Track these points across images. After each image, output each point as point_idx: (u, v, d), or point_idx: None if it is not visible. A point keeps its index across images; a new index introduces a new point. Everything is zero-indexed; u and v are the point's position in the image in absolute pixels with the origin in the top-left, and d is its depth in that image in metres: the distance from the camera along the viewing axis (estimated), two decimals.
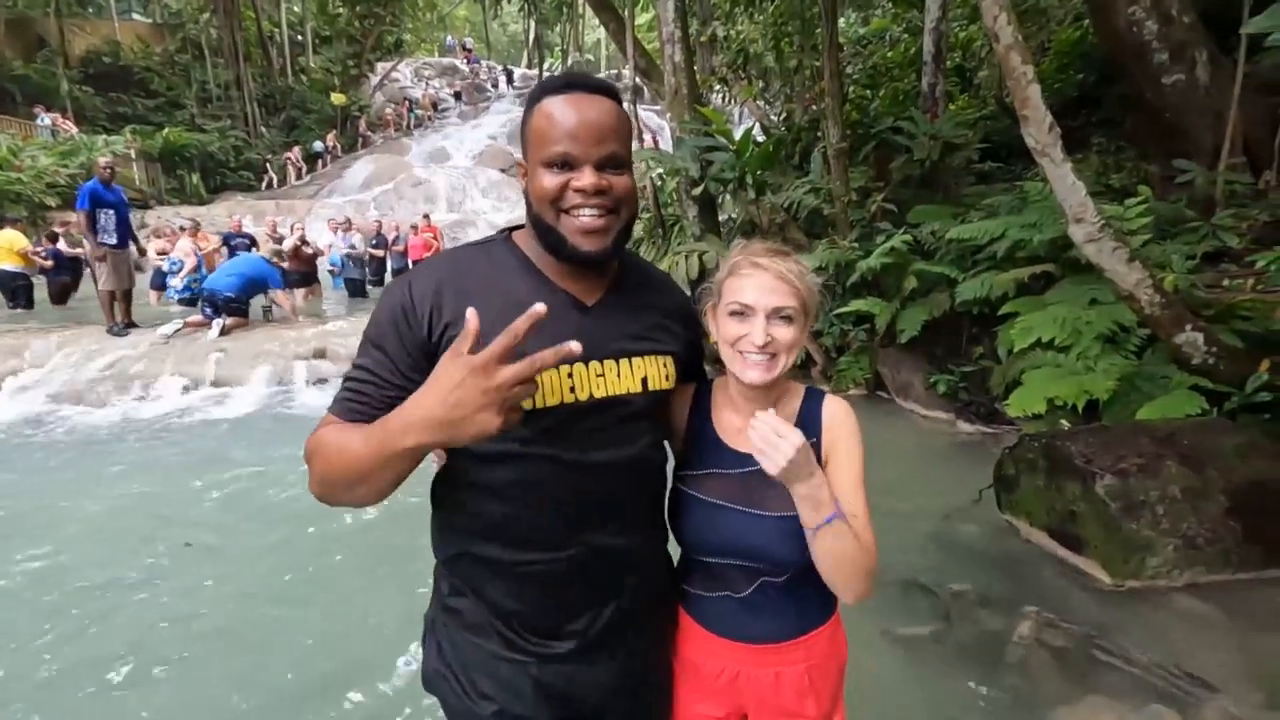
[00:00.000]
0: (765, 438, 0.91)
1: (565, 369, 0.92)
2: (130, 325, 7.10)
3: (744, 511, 1.03)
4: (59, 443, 5.04)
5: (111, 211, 6.76)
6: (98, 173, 6.86)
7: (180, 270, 9.15)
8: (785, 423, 0.92)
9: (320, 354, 6.91)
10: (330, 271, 11.37)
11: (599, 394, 0.95)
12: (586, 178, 0.88)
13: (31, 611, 2.80)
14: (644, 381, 0.99)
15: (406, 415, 0.76)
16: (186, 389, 6.14)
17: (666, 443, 1.12)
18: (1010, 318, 4.61)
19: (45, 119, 17.01)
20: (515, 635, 0.98)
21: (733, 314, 1.03)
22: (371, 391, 0.90)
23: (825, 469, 0.99)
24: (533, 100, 0.93)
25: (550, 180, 0.89)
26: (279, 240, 10.42)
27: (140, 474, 4.35)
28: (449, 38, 35.97)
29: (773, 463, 0.90)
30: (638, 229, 8.81)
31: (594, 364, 0.95)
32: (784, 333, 1.01)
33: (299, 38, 26.53)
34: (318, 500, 0.91)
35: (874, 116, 8.20)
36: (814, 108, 8.70)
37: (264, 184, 21.09)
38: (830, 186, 6.62)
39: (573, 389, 0.92)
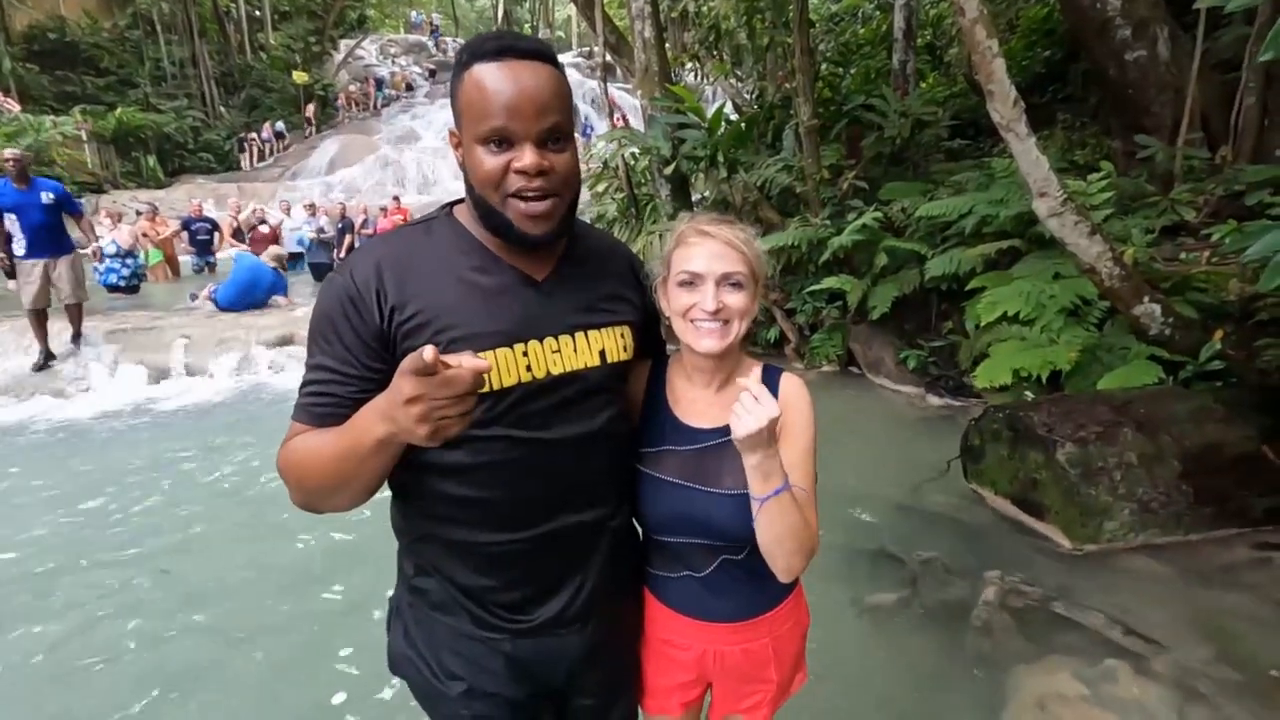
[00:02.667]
0: (746, 403, 0.90)
1: (520, 348, 0.89)
2: (78, 339, 5.94)
3: (699, 489, 1.03)
4: (20, 432, 4.88)
5: (14, 216, 5.49)
6: (1, 167, 5.61)
7: (111, 254, 8.75)
8: (768, 394, 0.91)
9: (286, 340, 6.75)
10: (293, 254, 11.08)
11: (556, 370, 0.92)
12: (528, 157, 0.83)
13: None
14: (602, 354, 0.97)
15: (376, 404, 0.74)
16: (150, 378, 5.98)
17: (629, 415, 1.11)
18: (977, 293, 4.69)
19: None
20: (485, 612, 0.97)
21: (682, 284, 1.02)
22: (335, 390, 0.86)
23: (777, 444, 0.98)
24: (461, 66, 0.85)
25: (490, 161, 0.84)
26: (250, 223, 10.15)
27: (107, 461, 4.24)
28: (415, 14, 34.98)
29: (743, 425, 0.89)
30: (611, 209, 8.75)
31: (549, 340, 0.92)
32: (735, 299, 1.00)
33: (257, 13, 25.54)
34: (301, 509, 0.88)
35: (846, 94, 8.20)
36: (786, 85, 8.65)
37: (244, 162, 20.42)
38: (802, 164, 6.62)
39: (529, 368, 0.90)
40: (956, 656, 2.35)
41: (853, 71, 9.46)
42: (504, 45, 0.84)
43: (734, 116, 8.04)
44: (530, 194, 0.85)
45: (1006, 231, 4.88)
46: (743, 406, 0.90)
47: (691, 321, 1.02)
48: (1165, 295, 3.74)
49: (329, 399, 0.87)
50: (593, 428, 0.97)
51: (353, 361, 0.87)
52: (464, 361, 0.67)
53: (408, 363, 0.66)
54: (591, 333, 0.97)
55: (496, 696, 1.00)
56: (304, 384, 0.90)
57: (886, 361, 5.57)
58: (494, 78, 0.82)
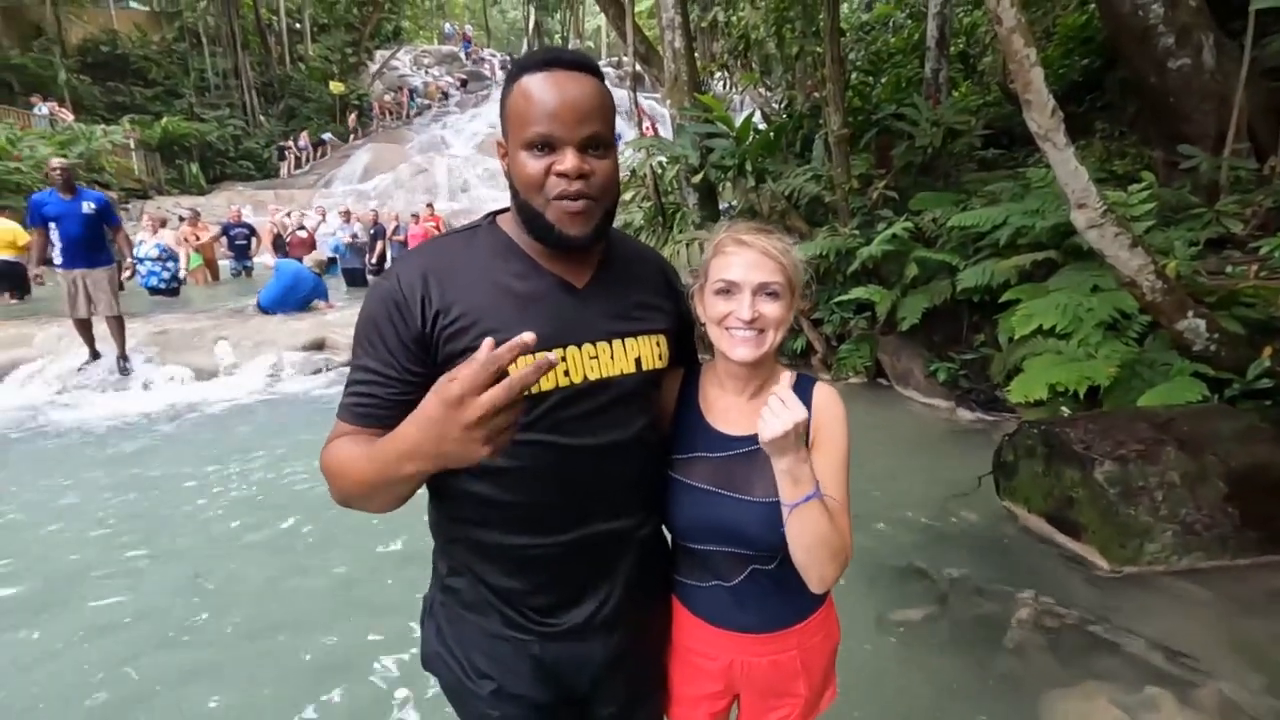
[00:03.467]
0: (774, 406, 0.91)
1: (559, 352, 0.90)
2: (123, 361, 5.97)
3: (729, 496, 1.02)
4: (75, 431, 5.05)
5: (54, 225, 5.51)
6: (49, 176, 5.65)
7: (153, 258, 9.07)
8: (795, 399, 0.92)
9: (319, 345, 6.91)
10: (329, 259, 11.34)
11: (593, 376, 0.94)
12: (569, 160, 0.85)
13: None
14: (637, 361, 0.98)
15: (400, 446, 0.75)
16: (190, 379, 6.15)
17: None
18: (1011, 305, 4.59)
19: (43, 108, 16.92)
20: (515, 613, 0.99)
21: (719, 292, 1.02)
22: (377, 391, 0.89)
23: (810, 452, 0.98)
24: (511, 78, 0.90)
25: (533, 164, 0.87)
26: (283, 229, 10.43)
27: (148, 460, 4.36)
28: (448, 25, 35.70)
29: (769, 428, 0.89)
30: (638, 217, 8.79)
31: (586, 346, 0.94)
32: (771, 308, 1.00)
33: (297, 25, 26.32)
34: (339, 504, 0.90)
35: (876, 103, 8.14)
36: (815, 94, 8.62)
37: (284, 170, 21.03)
38: (831, 174, 6.57)
39: (566, 373, 0.91)
40: (987, 678, 2.29)
41: (883, 80, 9.38)
42: (551, 57, 0.88)
43: (762, 126, 8.02)
44: (570, 196, 0.87)
45: (1042, 243, 4.78)
46: (770, 410, 0.91)
47: (727, 330, 1.02)
48: (1210, 310, 3.62)
49: (370, 400, 0.90)
50: (626, 435, 0.98)
51: (394, 364, 0.89)
52: (535, 358, 0.66)
53: (465, 383, 0.65)
54: (628, 340, 0.98)
55: (523, 699, 1.01)
56: (348, 384, 0.93)
57: (916, 374, 5.48)
58: (540, 87, 0.86)
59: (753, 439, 0.99)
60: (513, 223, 0.97)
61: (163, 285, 9.20)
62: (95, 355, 6.01)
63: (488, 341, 0.67)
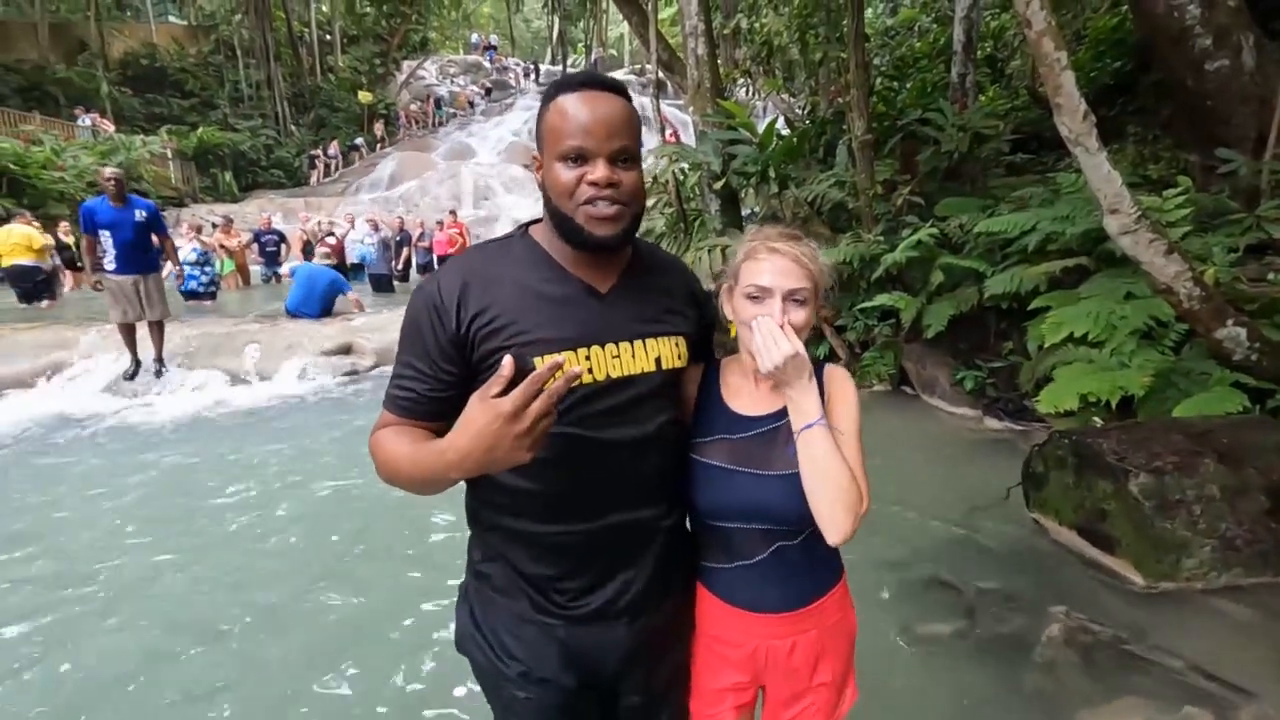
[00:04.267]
0: (764, 340, 1.01)
1: (583, 352, 0.97)
2: (160, 364, 6.15)
3: (751, 473, 1.07)
4: (116, 430, 5.20)
5: (108, 233, 5.66)
6: (101, 185, 5.82)
7: (191, 262, 9.32)
8: (783, 331, 1.01)
9: (345, 349, 7.03)
10: (355, 266, 11.55)
11: (615, 374, 1.00)
12: (600, 170, 0.93)
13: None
14: (658, 361, 1.04)
15: (449, 457, 0.85)
16: (223, 382, 6.30)
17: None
18: (1041, 313, 4.50)
19: (85, 120, 17.54)
20: (542, 598, 1.04)
21: (750, 297, 1.07)
22: (415, 386, 0.99)
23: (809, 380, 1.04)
24: (548, 98, 0.97)
25: (566, 174, 0.94)
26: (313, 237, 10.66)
27: (184, 459, 4.47)
28: (474, 35, 36.24)
29: (769, 359, 0.99)
30: (660, 224, 8.80)
31: (610, 346, 1.00)
32: (798, 315, 1.05)
33: (327, 37, 26.98)
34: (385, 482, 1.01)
35: (901, 108, 8.06)
36: (839, 100, 8.57)
37: (313, 178, 21.53)
38: (855, 179, 6.52)
39: (590, 370, 0.98)
40: (1015, 694, 2.23)
41: (908, 85, 9.30)
42: (586, 79, 0.97)
43: (785, 132, 7.99)
44: (600, 201, 0.94)
45: (1072, 249, 4.68)
46: (763, 341, 1.01)
47: None
48: (1251, 318, 3.50)
49: (409, 394, 1.00)
50: (647, 430, 1.04)
51: (431, 362, 0.98)
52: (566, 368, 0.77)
53: (517, 400, 0.78)
54: (649, 340, 1.04)
55: (551, 682, 1.06)
56: (393, 377, 1.03)
57: (941, 382, 5.39)
58: (575, 104, 0.94)
59: (770, 418, 1.08)
60: (544, 232, 1.05)
61: (201, 289, 9.45)
62: (138, 362, 6.13)
63: (508, 360, 0.82)
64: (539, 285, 0.99)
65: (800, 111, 10.59)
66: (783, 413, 1.07)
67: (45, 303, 9.19)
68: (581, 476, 1.00)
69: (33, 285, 9.29)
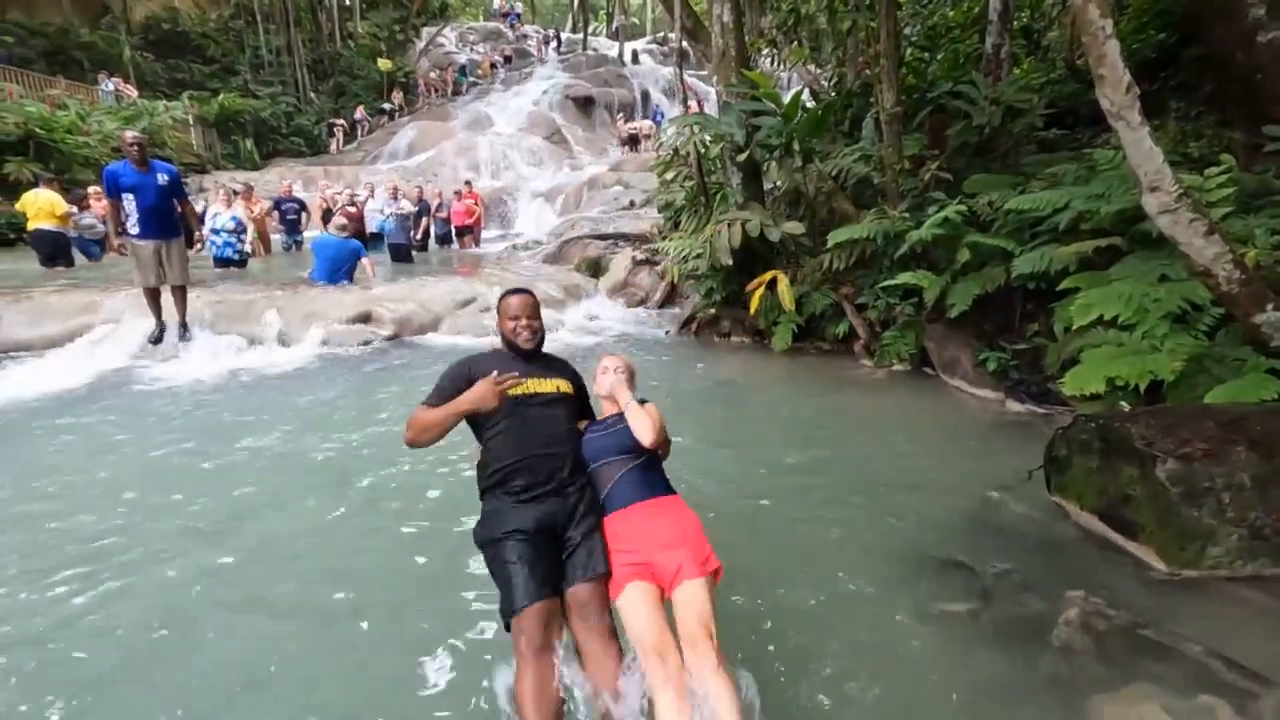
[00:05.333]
0: (600, 379, 2.45)
1: (522, 379, 2.23)
2: (184, 329, 6.20)
3: (611, 431, 2.30)
4: (138, 394, 5.31)
5: (131, 196, 5.65)
6: (124, 149, 5.79)
7: (229, 230, 9.39)
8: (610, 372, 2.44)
9: (365, 318, 7.07)
10: (374, 235, 11.56)
11: (536, 390, 2.29)
12: (523, 322, 2.36)
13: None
14: (557, 386, 2.35)
15: (461, 403, 2.14)
16: (245, 348, 6.38)
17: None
18: (1070, 294, 4.40)
19: (108, 84, 17.58)
20: (515, 495, 2.12)
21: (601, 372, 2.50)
22: (445, 396, 2.22)
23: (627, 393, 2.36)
24: (501, 298, 2.43)
25: (509, 325, 2.37)
26: (333, 204, 10.68)
27: (208, 421, 4.55)
28: (495, 0, 35.63)
29: (602, 386, 2.44)
30: (680, 197, 8.68)
31: (534, 380, 2.30)
32: (619, 379, 2.44)
33: (347, 2, 26.65)
34: (407, 445, 2.19)
35: (931, 80, 7.81)
36: (867, 72, 8.32)
37: (333, 146, 21.54)
38: (882, 154, 6.36)
39: (525, 388, 2.26)
40: (1029, 677, 2.22)
41: (939, 57, 8.99)
42: (513, 290, 2.43)
43: (811, 104, 7.79)
44: (523, 331, 2.36)
45: (1105, 229, 4.54)
46: (600, 381, 2.44)
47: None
48: None
49: (442, 393, 2.24)
50: (552, 413, 2.29)
51: (452, 389, 2.24)
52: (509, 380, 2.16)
53: (488, 382, 2.15)
54: (553, 378, 2.37)
55: (521, 530, 2.02)
56: (434, 389, 2.27)
57: (963, 363, 5.31)
58: (512, 299, 2.40)
59: (615, 418, 2.35)
60: (501, 344, 2.45)
61: (235, 256, 9.52)
62: (163, 326, 6.20)
63: (494, 374, 2.17)
64: (502, 361, 2.31)
65: (826, 83, 10.31)
66: (619, 417, 2.31)
67: (61, 266, 9.30)
68: (523, 434, 2.18)
69: (53, 250, 9.40)
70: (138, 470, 3.79)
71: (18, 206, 9.52)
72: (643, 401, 2.30)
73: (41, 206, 9.30)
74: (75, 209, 10.00)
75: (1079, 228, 4.66)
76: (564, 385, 2.33)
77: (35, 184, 10.45)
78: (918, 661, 2.28)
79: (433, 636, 2.38)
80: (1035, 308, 5.16)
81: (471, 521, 2.21)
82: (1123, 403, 3.68)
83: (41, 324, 6.40)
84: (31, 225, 9.35)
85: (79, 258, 9.86)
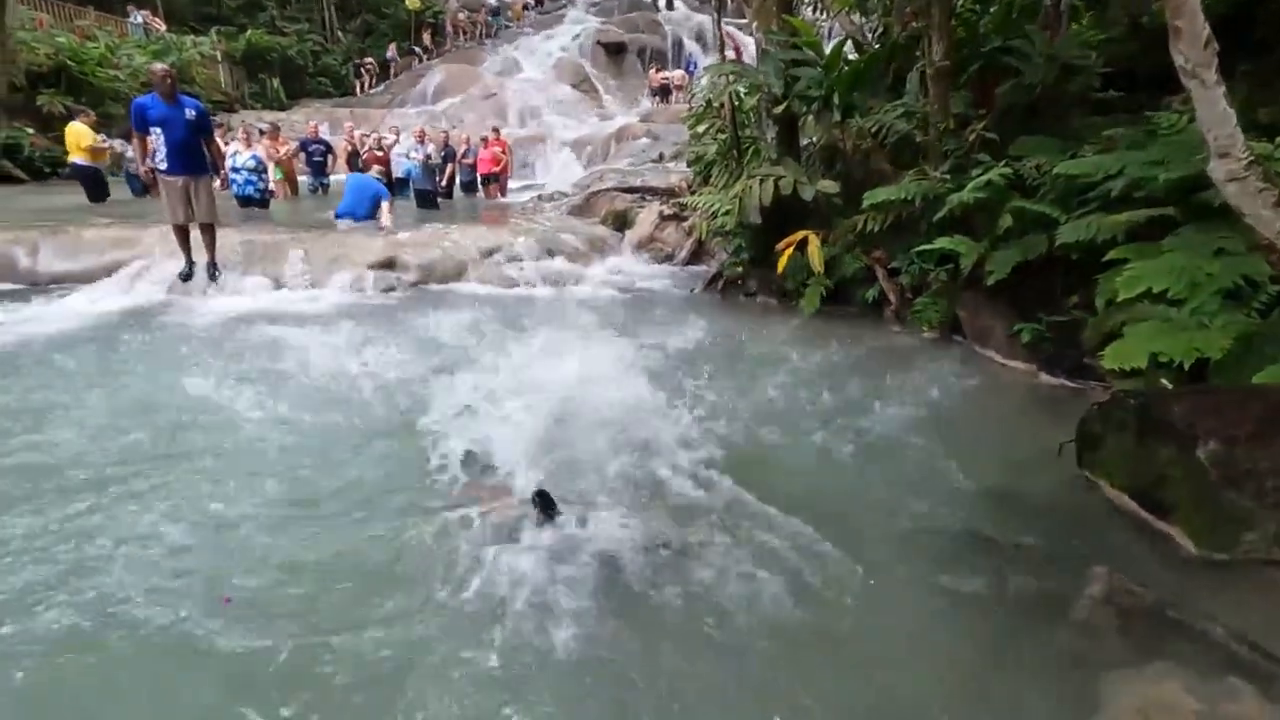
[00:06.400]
0: None
1: None
2: (213, 268, 6.25)
3: None
4: (176, 326, 5.44)
5: (159, 131, 5.60)
6: (153, 81, 5.73)
7: (250, 169, 9.42)
8: None
9: (389, 264, 7.07)
10: (399, 180, 11.47)
11: None
12: None
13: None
14: None
15: None
16: (270, 288, 6.45)
17: None
18: (1116, 265, 4.20)
19: (137, 17, 17.43)
20: None
21: None
22: None
23: None
24: None
25: None
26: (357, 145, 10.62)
27: (237, 356, 4.62)
28: None
29: None
30: (711, 150, 8.42)
31: None
32: None
33: None
34: None
35: (983, 34, 7.37)
36: (914, 24, 7.88)
37: (359, 87, 21.32)
38: (926, 111, 6.07)
39: None
40: (1048, 652, 2.20)
41: (993, 9, 8.47)
42: None
43: (853, 56, 7.43)
44: None
45: (1160, 198, 4.31)
46: None
47: None
48: None
49: None
50: None
51: None
52: None
53: None
54: None
55: None
56: None
57: (996, 332, 5.17)
58: None
59: None
60: None
61: (257, 195, 9.54)
62: (192, 264, 6.25)
63: None
64: None
65: (870, 34, 9.81)
66: None
67: (94, 201, 9.38)
68: None
69: (91, 184, 9.45)
70: (158, 399, 3.88)
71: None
72: None
73: (70, 140, 9.37)
74: (115, 143, 10.05)
75: (1131, 196, 4.42)
76: None
77: (69, 117, 10.50)
78: (930, 634, 2.27)
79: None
80: (1076, 279, 4.96)
81: None
82: (1164, 381, 3.56)
83: (77, 257, 6.51)
84: (70, 159, 9.45)
85: (125, 192, 9.95)
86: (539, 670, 2.03)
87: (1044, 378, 4.61)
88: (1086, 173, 4.61)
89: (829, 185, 6.22)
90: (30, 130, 12.65)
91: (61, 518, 2.71)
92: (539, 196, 12.71)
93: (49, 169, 12.72)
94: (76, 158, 9.39)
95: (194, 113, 5.76)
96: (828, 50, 6.61)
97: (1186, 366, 3.39)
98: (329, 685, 1.95)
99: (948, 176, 5.57)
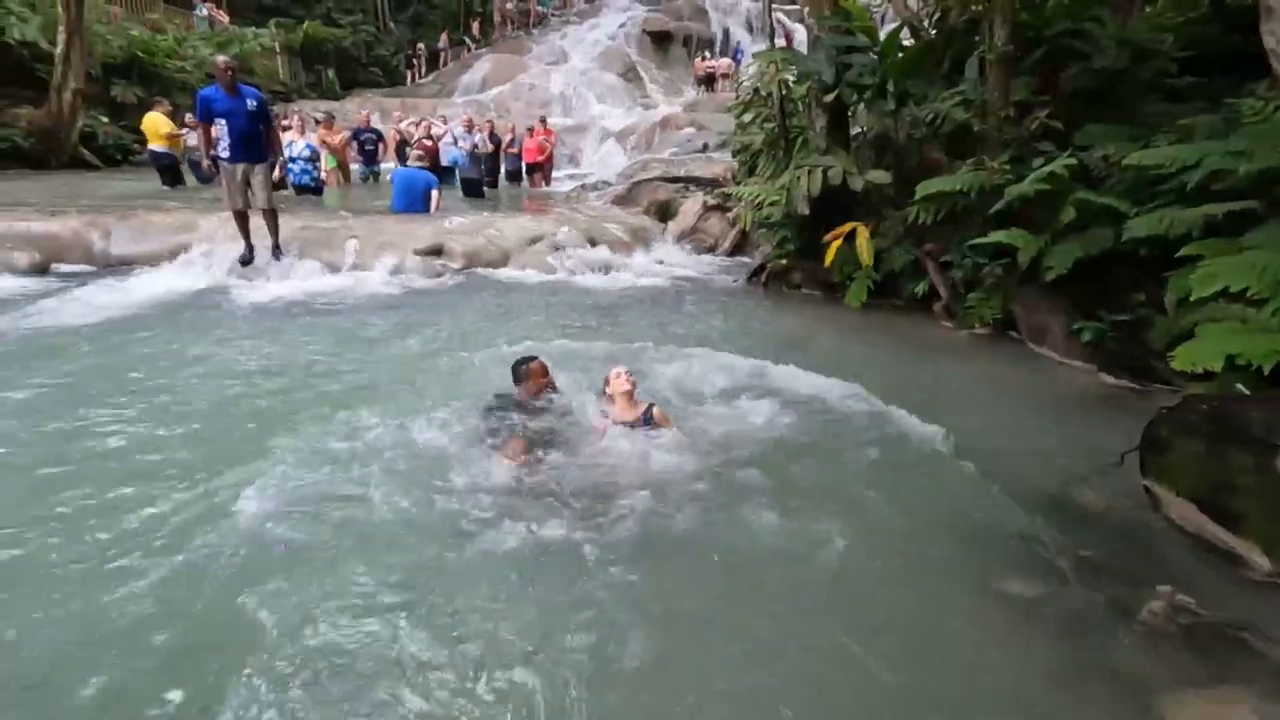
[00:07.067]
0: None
1: None
2: (277, 251, 6.48)
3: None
4: (236, 307, 5.68)
5: (223, 121, 5.82)
6: (216, 74, 5.93)
7: (305, 158, 9.71)
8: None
9: (437, 250, 7.20)
10: (447, 169, 11.64)
11: None
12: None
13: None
14: None
15: None
16: (325, 272, 6.65)
17: None
18: (1189, 263, 3.96)
19: (203, 10, 18.10)
20: None
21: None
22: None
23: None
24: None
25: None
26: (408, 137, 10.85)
27: (291, 337, 4.80)
28: None
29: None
30: (758, 140, 8.28)
31: None
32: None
33: None
34: None
35: (1049, 18, 7.02)
36: (974, 8, 7.55)
37: (410, 77, 21.75)
38: (985, 98, 5.83)
39: None
40: (1101, 669, 2.10)
41: None
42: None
43: (909, 43, 7.18)
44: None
45: (1242, 191, 4.03)
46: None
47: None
48: None
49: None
50: None
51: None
52: None
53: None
54: None
55: None
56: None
57: (1054, 330, 4.96)
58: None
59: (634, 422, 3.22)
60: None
61: (311, 184, 9.85)
62: (251, 248, 6.46)
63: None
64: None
65: (927, 20, 9.46)
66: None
67: (167, 186, 9.84)
68: None
69: (161, 170, 9.93)
70: (220, 377, 4.04)
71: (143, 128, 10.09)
72: (651, 404, 3.26)
73: (149, 128, 9.84)
74: (184, 130, 10.51)
75: (1209, 189, 4.16)
76: None
77: (141, 107, 11.01)
78: (977, 642, 2.20)
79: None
80: (1143, 276, 4.70)
81: None
82: (1239, 385, 3.34)
83: (144, 240, 6.83)
84: (149, 146, 9.95)
85: (191, 179, 10.42)
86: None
87: (1105, 378, 4.40)
88: (1160, 164, 4.35)
89: (880, 176, 6.05)
90: (105, 119, 13.31)
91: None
92: (583, 186, 12.75)
93: (120, 156, 13.37)
94: (155, 145, 9.87)
95: (255, 103, 5.96)
96: (882, 37, 6.39)
97: (1266, 371, 3.17)
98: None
99: (1007, 167, 5.34)
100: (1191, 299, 3.68)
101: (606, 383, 3.28)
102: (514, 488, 2.88)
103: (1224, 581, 2.46)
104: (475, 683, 1.94)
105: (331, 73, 20.38)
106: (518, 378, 3.47)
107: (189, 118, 11.00)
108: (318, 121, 11.40)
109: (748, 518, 2.77)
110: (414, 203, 8.41)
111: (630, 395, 3.23)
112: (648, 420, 3.20)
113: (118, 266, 6.55)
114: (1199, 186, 4.17)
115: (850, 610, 2.30)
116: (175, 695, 1.86)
